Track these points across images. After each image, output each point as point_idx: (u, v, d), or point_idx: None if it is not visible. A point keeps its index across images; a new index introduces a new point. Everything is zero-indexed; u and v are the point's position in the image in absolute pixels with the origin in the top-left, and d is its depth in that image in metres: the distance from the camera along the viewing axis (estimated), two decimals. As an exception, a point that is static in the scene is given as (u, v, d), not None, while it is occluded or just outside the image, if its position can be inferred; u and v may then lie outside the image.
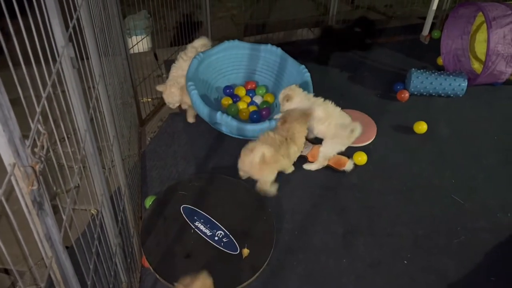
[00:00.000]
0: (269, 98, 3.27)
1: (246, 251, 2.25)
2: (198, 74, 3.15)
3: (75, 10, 1.38)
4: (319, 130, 2.79)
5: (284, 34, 4.28)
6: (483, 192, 2.70)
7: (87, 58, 1.59)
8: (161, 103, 3.36)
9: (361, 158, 2.85)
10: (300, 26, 4.42)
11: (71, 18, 1.35)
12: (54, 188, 2.32)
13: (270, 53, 3.33)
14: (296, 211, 2.58)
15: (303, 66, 3.16)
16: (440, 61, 3.79)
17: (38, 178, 0.92)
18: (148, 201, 2.56)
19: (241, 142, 3.00)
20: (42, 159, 0.97)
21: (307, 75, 3.10)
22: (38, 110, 0.99)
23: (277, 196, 2.63)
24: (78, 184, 1.52)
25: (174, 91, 3.08)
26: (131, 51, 3.10)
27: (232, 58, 3.40)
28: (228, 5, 5.46)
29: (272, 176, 2.54)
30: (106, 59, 1.92)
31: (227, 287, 2.11)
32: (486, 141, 3.08)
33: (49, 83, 1.08)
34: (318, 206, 2.62)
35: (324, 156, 2.80)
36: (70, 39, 1.27)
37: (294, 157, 2.68)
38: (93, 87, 1.60)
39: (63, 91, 1.26)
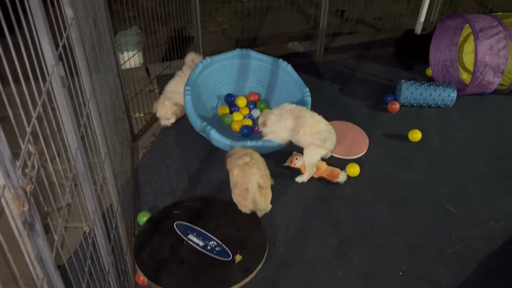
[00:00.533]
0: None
1: (238, 257, 2.25)
2: (201, 79, 3.21)
3: (65, 28, 1.38)
4: (295, 139, 2.81)
5: (275, 47, 4.32)
6: (475, 201, 2.72)
7: (77, 75, 1.60)
8: (154, 118, 3.36)
9: (354, 170, 2.86)
10: (290, 39, 4.46)
11: (61, 37, 1.35)
12: (46, 208, 2.30)
13: (279, 68, 3.34)
14: (290, 223, 2.57)
15: (307, 89, 3.14)
16: (429, 72, 3.85)
17: (29, 199, 0.92)
18: (141, 217, 2.55)
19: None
20: (33, 179, 0.96)
21: (308, 100, 3.08)
22: (28, 130, 0.99)
23: (271, 209, 2.64)
24: (70, 203, 1.51)
25: (168, 104, 3.12)
26: (123, 67, 3.12)
27: (239, 67, 3.44)
28: (219, 20, 5.51)
29: (271, 194, 2.56)
30: (97, 76, 1.92)
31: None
32: (476, 150, 3.11)
33: (39, 102, 1.08)
34: (312, 218, 2.62)
35: (308, 164, 2.80)
36: (60, 58, 1.28)
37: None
38: (84, 104, 1.60)
39: (53, 109, 1.27)
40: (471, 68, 3.76)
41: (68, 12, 1.42)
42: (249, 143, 2.80)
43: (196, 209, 2.55)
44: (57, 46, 1.27)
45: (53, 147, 1.21)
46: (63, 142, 1.36)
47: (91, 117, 1.62)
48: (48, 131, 1.18)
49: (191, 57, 3.39)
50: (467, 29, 3.69)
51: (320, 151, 2.75)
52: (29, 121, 1.02)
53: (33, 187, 0.97)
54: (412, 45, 3.84)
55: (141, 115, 3.39)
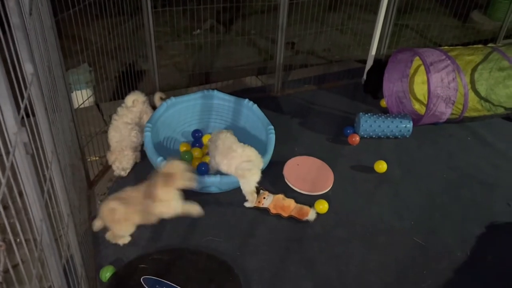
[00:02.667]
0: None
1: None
2: (164, 118, 3.26)
3: (25, 87, 1.25)
4: (224, 169, 2.82)
5: (232, 82, 4.29)
6: (441, 231, 2.78)
7: (33, 115, 1.44)
8: (110, 161, 3.17)
9: (323, 206, 2.84)
10: (245, 73, 4.46)
11: (22, 97, 1.21)
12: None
13: (244, 107, 3.39)
14: (265, 268, 2.48)
15: (271, 126, 3.15)
16: (383, 103, 3.97)
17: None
18: (104, 273, 2.35)
19: (201, 198, 2.90)
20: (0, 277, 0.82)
21: (272, 137, 3.08)
22: (-6, 219, 0.84)
23: (243, 254, 2.54)
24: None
25: (128, 153, 2.99)
26: (75, 106, 2.94)
27: (204, 107, 3.48)
28: (170, 53, 5.42)
29: (127, 230, 2.53)
30: (55, 128, 1.76)
31: None
32: (437, 179, 3.20)
33: (2, 181, 0.94)
34: (285, 260, 2.54)
35: (245, 192, 2.79)
36: (22, 122, 1.14)
37: (165, 212, 2.50)
38: (45, 163, 1.44)
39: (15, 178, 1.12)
40: (422, 98, 3.92)
41: (28, 68, 1.29)
42: (206, 179, 2.75)
43: (164, 261, 2.39)
44: (18, 109, 1.13)
45: (18, 227, 1.06)
46: (26, 214, 1.20)
47: (54, 179, 1.47)
48: (12, 211, 1.03)
49: (132, 98, 3.26)
50: (416, 62, 3.86)
51: (250, 180, 2.73)
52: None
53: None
54: (379, 74, 3.94)
55: (96, 158, 3.19)
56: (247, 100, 3.37)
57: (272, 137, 3.07)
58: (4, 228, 1.01)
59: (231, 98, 3.42)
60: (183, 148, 3.26)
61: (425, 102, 3.79)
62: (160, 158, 2.79)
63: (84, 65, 3.82)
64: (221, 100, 3.45)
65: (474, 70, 3.49)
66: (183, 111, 3.41)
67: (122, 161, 3.00)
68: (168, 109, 3.30)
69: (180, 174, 2.43)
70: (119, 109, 3.21)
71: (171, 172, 2.43)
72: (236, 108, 3.41)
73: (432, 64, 3.30)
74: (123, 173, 3.03)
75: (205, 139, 3.31)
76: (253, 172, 2.72)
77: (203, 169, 3.00)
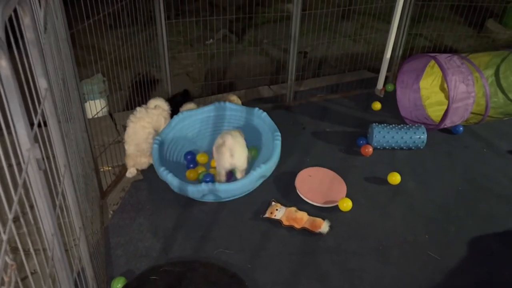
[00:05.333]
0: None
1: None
2: (174, 131, 3.30)
3: (39, 102, 1.25)
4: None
5: (245, 92, 4.29)
6: (456, 246, 2.72)
7: (45, 125, 1.44)
8: (123, 171, 3.19)
9: (346, 204, 2.90)
10: (258, 82, 4.46)
11: (35, 112, 1.22)
12: None
13: (254, 116, 3.42)
14: (276, 282, 2.45)
15: (278, 133, 3.17)
16: (375, 106, 4.04)
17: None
18: (116, 283, 2.35)
19: (212, 209, 2.89)
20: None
21: (277, 143, 3.08)
22: (4, 238, 0.84)
23: (254, 267, 2.51)
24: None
25: (145, 160, 3.04)
26: (88, 116, 2.97)
27: (216, 119, 3.52)
28: (183, 62, 5.46)
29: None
30: (68, 141, 1.77)
31: None
32: (452, 192, 3.14)
33: (15, 199, 0.94)
34: (297, 274, 2.51)
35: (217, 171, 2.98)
36: (35, 138, 1.14)
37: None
38: (58, 177, 1.44)
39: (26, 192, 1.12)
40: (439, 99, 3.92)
41: (42, 83, 1.30)
42: (203, 185, 2.75)
43: (176, 273, 2.37)
44: (31, 124, 1.13)
45: (30, 244, 1.06)
46: (38, 230, 1.20)
47: (66, 193, 1.47)
48: (22, 223, 1.03)
49: (155, 102, 3.32)
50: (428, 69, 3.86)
51: (221, 158, 2.90)
52: (3, 223, 0.87)
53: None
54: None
55: (109, 168, 3.20)
56: (256, 109, 3.39)
57: (278, 143, 3.07)
58: (15, 246, 1.01)
59: (243, 108, 3.46)
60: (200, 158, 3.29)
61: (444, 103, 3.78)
62: (162, 168, 2.86)
63: (98, 75, 3.86)
64: (233, 111, 3.49)
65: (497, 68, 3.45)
66: (197, 123, 3.47)
67: (139, 165, 3.05)
68: (179, 122, 3.37)
69: None
70: (138, 109, 3.20)
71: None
72: (246, 117, 3.46)
73: (448, 67, 3.31)
74: (139, 177, 3.07)
75: (200, 157, 3.30)
76: (223, 150, 2.85)
77: (207, 180, 2.99)
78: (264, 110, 3.37)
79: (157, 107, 3.30)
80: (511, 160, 3.48)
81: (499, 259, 2.63)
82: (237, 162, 2.91)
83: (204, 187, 2.73)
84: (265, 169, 2.88)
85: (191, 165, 3.22)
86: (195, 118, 3.44)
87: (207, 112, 3.48)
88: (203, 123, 3.49)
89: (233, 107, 3.46)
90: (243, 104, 3.59)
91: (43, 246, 1.24)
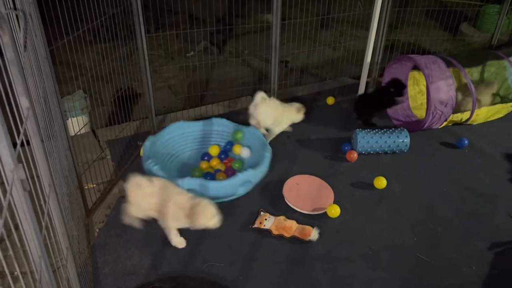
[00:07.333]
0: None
1: None
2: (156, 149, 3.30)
3: (21, 122, 1.23)
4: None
5: (229, 104, 4.29)
6: (445, 246, 2.75)
7: (28, 144, 1.42)
8: (107, 188, 3.14)
9: (335, 210, 2.93)
10: (242, 93, 4.47)
11: (17, 131, 1.20)
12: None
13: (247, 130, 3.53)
14: (268, 293, 2.43)
15: (269, 147, 3.30)
16: (329, 100, 4.26)
17: None
18: (104, 304, 2.30)
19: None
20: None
21: (267, 155, 3.19)
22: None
23: (246, 279, 2.49)
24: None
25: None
26: (71, 133, 2.92)
27: (205, 133, 3.61)
28: (165, 75, 5.44)
29: (138, 212, 2.68)
30: (51, 160, 1.74)
31: None
32: (437, 193, 3.18)
33: (1, 222, 0.91)
34: (289, 282, 2.50)
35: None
36: (19, 158, 1.12)
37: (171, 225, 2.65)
38: (43, 197, 1.42)
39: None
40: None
41: (23, 102, 1.28)
42: (186, 180, 2.82)
43: (166, 290, 2.34)
44: (14, 144, 1.11)
45: (16, 267, 1.03)
46: (25, 253, 1.17)
47: (52, 213, 1.44)
48: (10, 251, 1.00)
49: (261, 95, 3.52)
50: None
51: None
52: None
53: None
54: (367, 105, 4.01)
55: (94, 185, 3.16)
56: (251, 126, 3.53)
57: (268, 155, 3.14)
58: (1, 270, 0.98)
59: (235, 124, 3.58)
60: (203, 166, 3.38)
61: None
62: (149, 160, 2.98)
63: (79, 91, 3.81)
64: (225, 127, 3.59)
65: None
66: (189, 135, 3.57)
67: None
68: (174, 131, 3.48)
69: (205, 218, 2.49)
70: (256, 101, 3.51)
71: (197, 212, 2.48)
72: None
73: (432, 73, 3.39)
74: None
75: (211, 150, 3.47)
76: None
77: (208, 179, 3.08)
78: (247, 120, 3.42)
79: (263, 99, 3.51)
80: (493, 159, 3.55)
81: (485, 258, 2.67)
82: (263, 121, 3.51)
83: (186, 181, 2.80)
84: (252, 174, 2.93)
85: (205, 158, 3.41)
86: (186, 130, 3.54)
87: (201, 126, 3.58)
88: (196, 136, 3.58)
89: (226, 123, 3.57)
90: (226, 115, 3.62)
91: (30, 269, 1.21)
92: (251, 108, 3.52)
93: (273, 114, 3.54)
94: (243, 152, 3.43)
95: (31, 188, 1.23)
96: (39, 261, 1.19)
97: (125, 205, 2.68)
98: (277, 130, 3.65)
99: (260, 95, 3.48)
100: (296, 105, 3.74)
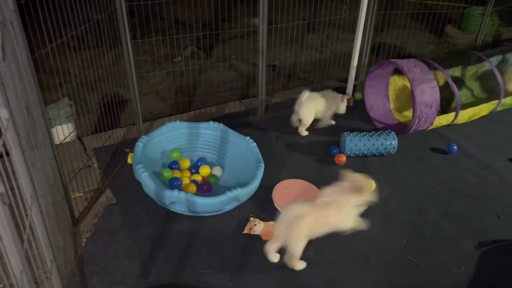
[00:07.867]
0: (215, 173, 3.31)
1: None
2: (146, 154, 3.18)
3: (0, 134, 1.20)
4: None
5: (217, 109, 4.27)
6: (434, 248, 2.76)
7: (7, 155, 1.38)
8: (94, 196, 3.10)
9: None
10: (230, 98, 4.45)
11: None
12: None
13: (243, 143, 3.33)
14: (259, 299, 2.41)
15: (248, 137, 3.27)
16: None
17: None
18: (92, 316, 2.26)
19: (189, 229, 2.84)
20: None
21: (254, 145, 3.20)
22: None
23: (235, 286, 2.47)
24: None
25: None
26: (57, 141, 2.87)
27: (178, 137, 3.47)
28: (152, 81, 5.40)
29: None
30: (34, 170, 1.71)
31: None
32: (425, 195, 3.20)
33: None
34: (279, 289, 2.48)
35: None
36: (-2, 171, 1.09)
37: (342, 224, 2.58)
38: (24, 207, 1.38)
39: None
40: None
41: (3, 113, 1.24)
42: (175, 193, 2.72)
43: (155, 299, 2.31)
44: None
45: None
46: (4, 266, 1.14)
47: (34, 225, 1.40)
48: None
49: (306, 93, 3.71)
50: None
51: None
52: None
53: None
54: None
55: (81, 194, 3.11)
56: (248, 137, 3.32)
57: (260, 173, 3.03)
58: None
59: (234, 132, 3.41)
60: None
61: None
62: (139, 165, 2.87)
63: (64, 99, 3.76)
64: (222, 133, 3.45)
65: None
66: (183, 137, 3.49)
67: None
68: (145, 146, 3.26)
69: (367, 188, 2.50)
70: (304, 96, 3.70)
71: (360, 184, 2.47)
72: (235, 142, 3.41)
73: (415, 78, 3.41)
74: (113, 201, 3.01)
75: (202, 169, 3.28)
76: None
77: (174, 184, 3.03)
78: (236, 125, 3.38)
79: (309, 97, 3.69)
80: (480, 160, 3.58)
81: (474, 259, 2.69)
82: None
83: (175, 194, 2.72)
84: (241, 193, 2.83)
85: (174, 166, 3.27)
86: (182, 131, 3.46)
87: (201, 129, 3.48)
88: (190, 138, 3.50)
89: (225, 130, 3.43)
90: (215, 119, 3.54)
91: (10, 282, 1.18)
92: (296, 106, 3.74)
93: (315, 111, 3.76)
94: (214, 171, 3.31)
95: (11, 201, 1.20)
96: (21, 276, 1.16)
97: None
98: (324, 120, 3.91)
99: (306, 93, 3.68)
100: (339, 95, 3.92)
